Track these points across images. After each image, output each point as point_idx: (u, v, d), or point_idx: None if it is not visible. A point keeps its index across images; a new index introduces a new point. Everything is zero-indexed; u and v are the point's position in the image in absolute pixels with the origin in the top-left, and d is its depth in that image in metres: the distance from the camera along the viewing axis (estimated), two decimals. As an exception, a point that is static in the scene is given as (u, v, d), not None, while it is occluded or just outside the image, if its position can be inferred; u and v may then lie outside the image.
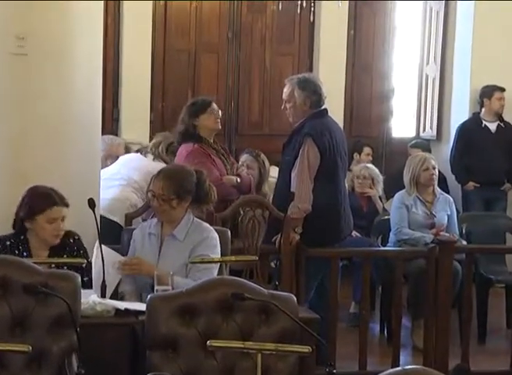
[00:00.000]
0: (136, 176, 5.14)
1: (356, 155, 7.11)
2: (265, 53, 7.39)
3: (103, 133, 4.86)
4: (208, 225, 3.71)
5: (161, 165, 4.94)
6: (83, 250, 3.66)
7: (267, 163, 5.63)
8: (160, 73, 7.09)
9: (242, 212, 4.60)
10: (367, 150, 7.10)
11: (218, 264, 3.64)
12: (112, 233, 4.13)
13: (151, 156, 5.32)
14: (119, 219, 4.90)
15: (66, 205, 3.58)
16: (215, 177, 4.57)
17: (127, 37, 6.85)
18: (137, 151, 5.55)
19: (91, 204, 3.54)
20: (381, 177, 6.34)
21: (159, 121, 7.06)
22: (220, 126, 4.99)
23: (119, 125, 6.94)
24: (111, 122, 6.90)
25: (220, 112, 5.01)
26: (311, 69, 7.32)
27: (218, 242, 3.66)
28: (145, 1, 6.84)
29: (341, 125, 6.97)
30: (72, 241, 3.65)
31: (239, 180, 4.89)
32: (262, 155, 5.67)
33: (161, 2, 7.02)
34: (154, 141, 5.46)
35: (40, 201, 3.55)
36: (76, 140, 4.07)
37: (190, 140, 4.83)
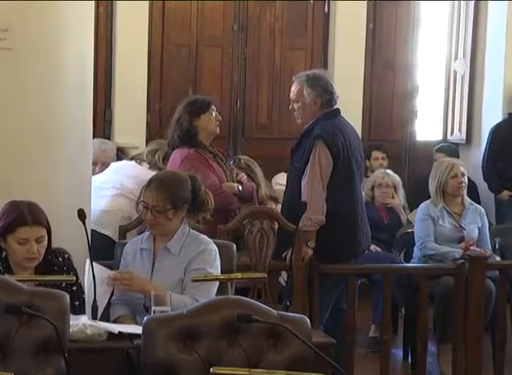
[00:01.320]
0: (131, 184, 5.12)
1: (367, 162, 7.06)
2: (275, 47, 7.40)
3: (94, 136, 4.87)
4: (205, 237, 3.72)
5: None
6: (73, 271, 3.64)
7: (253, 165, 5.63)
8: (157, 70, 7.11)
9: (249, 225, 4.61)
10: (375, 154, 7.02)
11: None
12: (104, 248, 4.12)
13: (146, 165, 5.32)
14: (111, 232, 4.90)
15: (43, 225, 3.52)
16: (213, 184, 4.58)
17: (121, 30, 6.87)
18: (132, 159, 5.53)
19: (81, 215, 3.55)
20: (401, 184, 6.34)
21: (157, 123, 7.08)
22: (218, 130, 4.99)
23: (112, 127, 6.95)
24: (103, 124, 6.91)
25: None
26: (325, 66, 7.33)
27: (218, 255, 3.67)
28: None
29: (359, 127, 7.02)
30: (60, 259, 3.63)
31: (240, 187, 4.90)
32: (244, 158, 5.67)
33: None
34: (148, 148, 5.46)
35: (10, 219, 3.51)
36: (65, 144, 4.08)
37: (187, 144, 4.83)
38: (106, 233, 4.93)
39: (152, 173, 4.96)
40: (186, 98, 5.09)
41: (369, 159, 7.00)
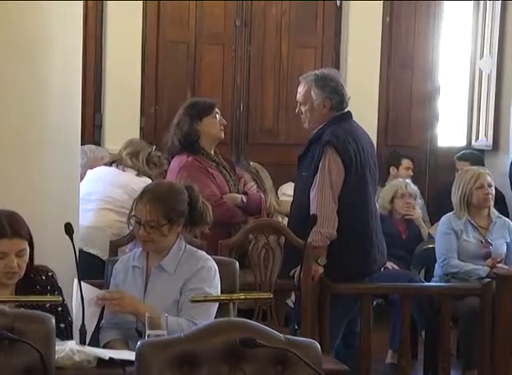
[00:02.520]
0: (120, 195, 5.05)
1: (393, 169, 7.13)
2: (281, 45, 7.42)
3: (83, 142, 4.88)
4: (203, 253, 3.72)
5: (146, 181, 4.91)
6: (57, 290, 3.63)
7: (263, 173, 5.66)
8: (152, 70, 7.12)
9: (253, 239, 4.61)
10: (406, 163, 7.13)
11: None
12: (90, 270, 4.04)
13: (131, 171, 5.22)
14: (99, 252, 4.86)
15: (24, 237, 3.51)
16: (213, 195, 4.59)
17: (112, 27, 6.88)
18: (112, 164, 5.33)
19: (68, 229, 3.55)
20: (419, 195, 6.36)
21: (151, 128, 7.09)
22: (223, 136, 5.01)
23: (102, 133, 6.97)
24: (92, 129, 6.92)
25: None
26: (337, 65, 7.35)
27: (217, 273, 3.67)
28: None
29: (374, 132, 7.03)
30: (43, 278, 3.62)
31: (244, 199, 4.90)
32: (255, 164, 5.69)
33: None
34: (126, 150, 5.28)
35: None
36: (50, 151, 4.10)
37: (187, 150, 4.85)
38: (94, 252, 4.88)
39: (142, 180, 4.96)
40: (187, 101, 5.12)
41: (397, 167, 7.05)
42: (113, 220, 5.01)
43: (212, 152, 4.96)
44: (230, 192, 4.91)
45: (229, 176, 4.97)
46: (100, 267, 4.04)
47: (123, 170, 5.23)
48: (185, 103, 5.03)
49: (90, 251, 4.88)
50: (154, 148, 5.37)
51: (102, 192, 5.11)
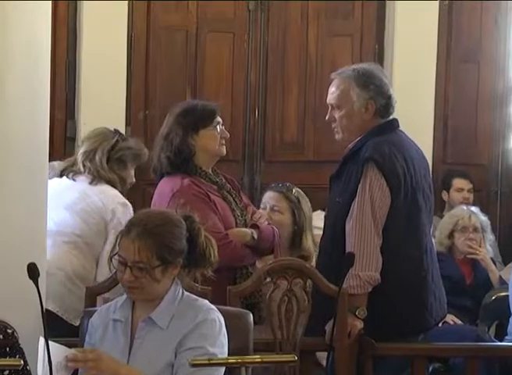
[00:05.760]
0: (68, 219, 4.80)
1: (444, 194, 7.10)
2: (308, 34, 7.45)
3: (52, 158, 4.90)
4: (205, 302, 3.71)
5: (103, 190, 4.89)
6: (18, 352, 3.65)
7: (304, 201, 5.59)
8: (141, 64, 7.16)
9: (271, 285, 4.62)
10: (458, 183, 7.06)
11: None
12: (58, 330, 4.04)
13: (85, 179, 5.02)
14: (53, 305, 4.79)
15: None
16: (217, 232, 4.48)
17: (89, 11, 6.92)
18: (62, 175, 5.08)
19: (33, 272, 3.53)
20: (490, 228, 6.33)
21: (140, 138, 7.05)
22: (225, 152, 4.98)
23: (76, 146, 6.97)
24: (63, 142, 6.94)
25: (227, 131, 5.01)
26: (380, 59, 7.37)
27: (223, 328, 3.66)
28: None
29: (429, 147, 7.04)
30: (2, 337, 3.65)
31: (255, 234, 4.90)
32: (296, 190, 5.64)
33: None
34: (82, 150, 5.11)
35: None
36: (11, 170, 4.12)
37: (179, 170, 4.84)
38: (55, 311, 4.77)
39: (96, 191, 4.90)
40: (179, 105, 5.08)
41: (447, 191, 7.03)
42: (66, 258, 4.85)
43: (211, 171, 4.94)
44: (237, 225, 4.89)
45: (235, 203, 4.93)
46: (57, 326, 4.02)
47: (74, 180, 5.06)
48: (176, 108, 4.98)
49: (53, 309, 4.76)
50: (120, 137, 5.22)
51: (56, 226, 4.86)
